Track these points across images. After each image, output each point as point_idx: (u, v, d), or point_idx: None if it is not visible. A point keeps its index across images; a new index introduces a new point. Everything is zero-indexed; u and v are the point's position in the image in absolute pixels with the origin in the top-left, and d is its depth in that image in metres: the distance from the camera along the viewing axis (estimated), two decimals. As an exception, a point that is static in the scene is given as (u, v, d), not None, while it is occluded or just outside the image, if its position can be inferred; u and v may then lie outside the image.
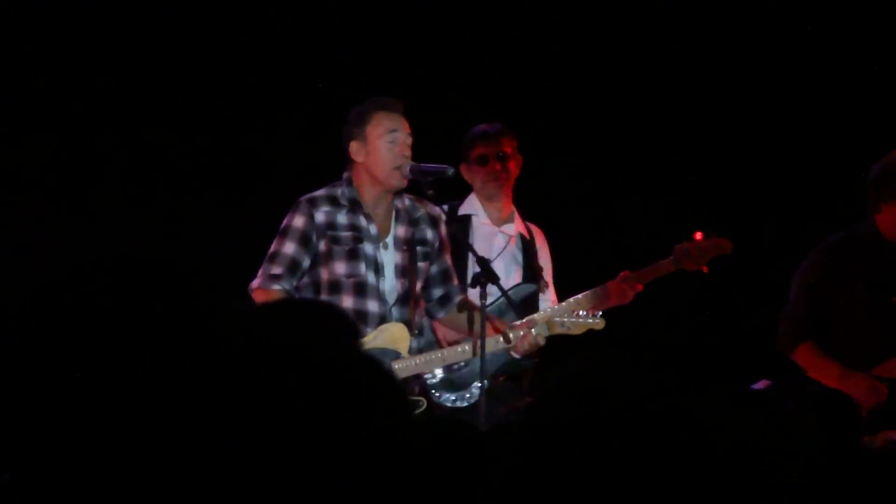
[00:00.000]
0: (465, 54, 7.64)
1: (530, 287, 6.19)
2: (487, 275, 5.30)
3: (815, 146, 7.74)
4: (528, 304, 6.03)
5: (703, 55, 7.79)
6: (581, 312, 5.75)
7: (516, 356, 5.72)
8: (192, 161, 7.26)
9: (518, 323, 5.63)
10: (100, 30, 7.11)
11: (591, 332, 5.71)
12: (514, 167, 6.33)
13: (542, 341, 5.59)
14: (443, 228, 5.65)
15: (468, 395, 5.75)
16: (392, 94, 5.59)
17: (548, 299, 6.25)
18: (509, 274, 6.22)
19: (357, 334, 2.02)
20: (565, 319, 5.69)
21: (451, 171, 5.46)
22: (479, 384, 5.47)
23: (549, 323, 5.65)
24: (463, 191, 6.35)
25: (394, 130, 5.44)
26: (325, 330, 1.86)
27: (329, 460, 1.69)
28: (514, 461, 1.87)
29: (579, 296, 6.15)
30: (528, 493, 1.84)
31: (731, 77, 7.80)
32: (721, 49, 7.77)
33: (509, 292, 5.70)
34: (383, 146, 5.43)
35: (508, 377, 5.96)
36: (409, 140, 5.46)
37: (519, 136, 6.42)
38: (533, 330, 5.57)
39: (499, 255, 6.21)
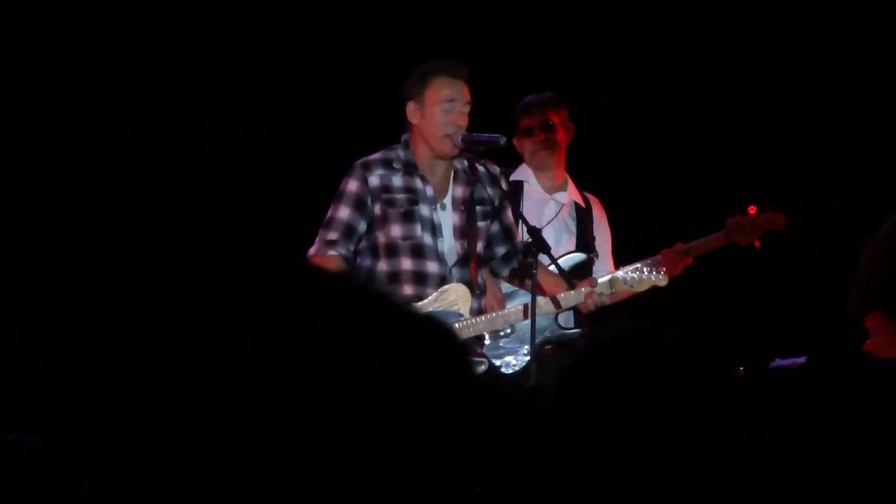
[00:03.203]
0: (524, 23, 7.64)
1: (581, 256, 6.18)
2: (537, 244, 5.30)
3: (877, 117, 7.68)
4: (579, 273, 6.00)
5: (759, 26, 7.74)
6: (644, 269, 5.73)
7: (564, 321, 5.72)
8: (254, 131, 7.31)
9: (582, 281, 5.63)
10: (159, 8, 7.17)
11: (641, 302, 5.71)
12: (562, 136, 6.31)
13: (606, 300, 5.56)
14: (503, 186, 5.62)
15: (514, 363, 5.75)
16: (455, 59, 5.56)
17: (603, 269, 6.24)
18: (560, 242, 6.22)
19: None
20: (629, 276, 5.67)
21: (503, 140, 5.43)
22: (528, 349, 5.47)
23: (612, 280, 5.63)
24: (515, 160, 6.37)
25: (451, 100, 5.41)
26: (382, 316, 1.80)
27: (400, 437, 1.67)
28: (547, 430, 1.87)
29: (629, 266, 6.15)
30: (560, 464, 1.84)
31: (793, 49, 7.75)
32: (779, 22, 7.72)
33: (559, 261, 5.69)
34: (438, 112, 5.41)
35: (557, 346, 5.96)
36: (467, 109, 5.44)
37: (575, 108, 6.42)
38: (597, 289, 5.55)
39: (549, 222, 6.21)
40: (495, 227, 5.60)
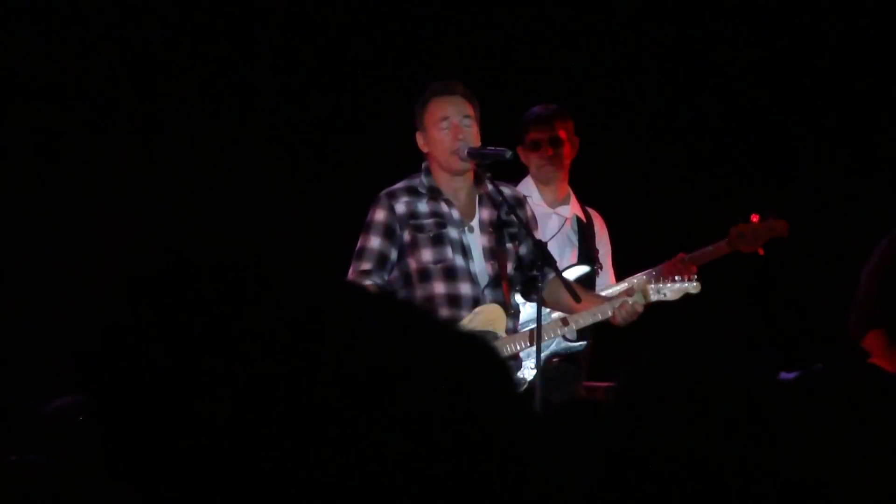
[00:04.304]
0: (523, 35, 7.65)
1: (584, 268, 6.20)
2: (543, 257, 5.31)
3: (880, 130, 7.69)
4: (583, 286, 6.03)
5: (759, 36, 7.75)
6: (677, 277, 5.70)
7: (570, 335, 5.73)
8: (278, 154, 7.32)
9: (615, 291, 5.61)
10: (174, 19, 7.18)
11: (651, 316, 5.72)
12: (568, 151, 6.31)
13: (639, 308, 5.53)
14: (528, 209, 5.64)
15: (521, 378, 5.75)
16: (453, 77, 5.58)
17: (605, 282, 6.25)
18: (563, 255, 6.22)
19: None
20: (661, 286, 5.65)
21: (508, 153, 5.42)
22: (534, 365, 5.48)
23: (643, 291, 5.60)
24: (521, 172, 6.35)
25: (446, 117, 5.42)
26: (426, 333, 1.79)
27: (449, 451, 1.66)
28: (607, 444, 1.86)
29: (633, 277, 6.16)
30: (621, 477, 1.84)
31: (795, 60, 7.75)
32: (782, 31, 7.73)
33: (563, 273, 5.70)
34: (438, 133, 5.43)
35: (564, 359, 5.96)
36: (468, 122, 5.44)
37: (576, 118, 6.42)
38: (630, 299, 5.53)
39: (553, 236, 6.21)
40: (523, 249, 5.58)
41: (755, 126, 7.81)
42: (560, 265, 5.74)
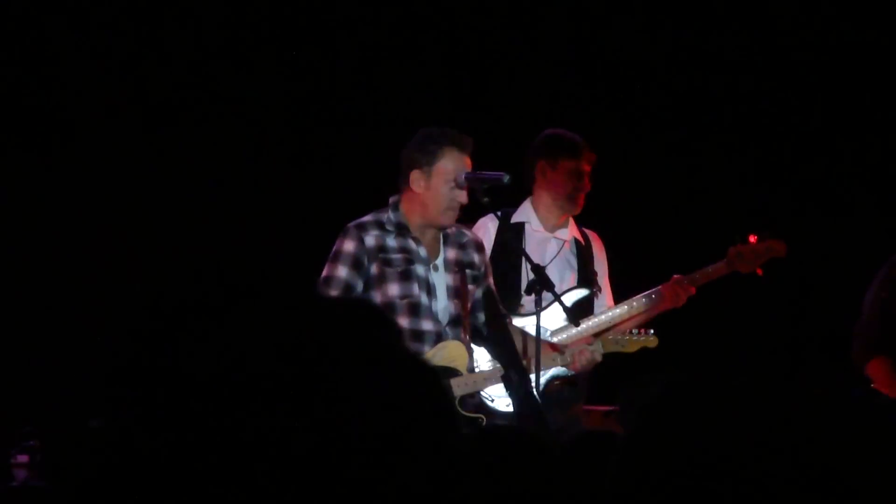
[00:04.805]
0: (514, 55, 7.65)
1: (583, 292, 6.20)
2: (542, 282, 5.31)
3: (884, 153, 7.68)
4: (582, 308, 6.06)
5: (755, 57, 7.76)
6: (633, 331, 5.84)
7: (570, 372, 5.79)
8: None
9: (572, 336, 5.68)
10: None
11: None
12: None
13: (598, 357, 5.68)
14: (486, 254, 5.71)
15: (494, 410, 5.77)
16: (460, 128, 5.55)
17: (603, 304, 6.26)
18: (563, 279, 6.22)
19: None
20: (619, 337, 5.80)
21: (506, 178, 5.44)
22: (533, 387, 5.49)
23: (604, 341, 5.75)
24: (516, 195, 6.33)
25: (456, 175, 5.42)
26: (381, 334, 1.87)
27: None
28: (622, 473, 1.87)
29: (632, 300, 6.17)
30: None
31: (794, 81, 7.76)
32: (787, 50, 7.73)
33: (562, 296, 5.72)
34: (445, 188, 5.42)
35: (565, 381, 5.97)
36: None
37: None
38: (590, 347, 5.62)
39: (552, 260, 6.20)
40: (478, 293, 5.65)
41: (755, 146, 7.81)
42: (559, 288, 5.76)
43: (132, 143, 7.17)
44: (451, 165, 5.40)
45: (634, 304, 6.15)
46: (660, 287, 6.17)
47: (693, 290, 6.19)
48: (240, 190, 7.29)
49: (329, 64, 7.43)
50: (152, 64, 7.19)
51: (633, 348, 5.79)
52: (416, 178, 5.46)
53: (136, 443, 1.67)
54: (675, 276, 6.18)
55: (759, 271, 6.31)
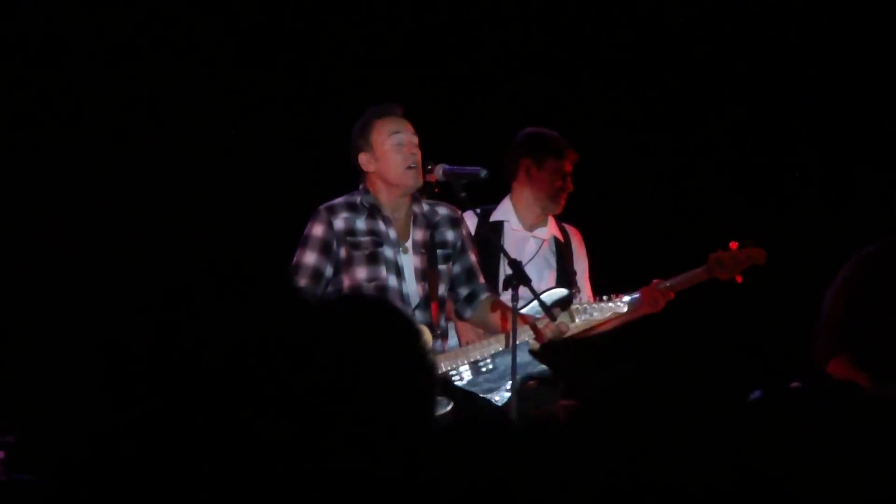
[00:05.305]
0: (492, 53, 7.65)
1: (563, 291, 6.16)
2: (519, 277, 5.29)
3: (853, 156, 7.70)
4: (561, 308, 6.01)
5: (745, 57, 7.77)
6: (604, 297, 5.78)
7: (535, 345, 5.73)
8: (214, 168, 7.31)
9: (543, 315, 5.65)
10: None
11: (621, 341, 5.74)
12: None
13: (564, 329, 5.58)
14: (464, 229, 5.68)
15: (497, 398, 5.73)
16: (395, 99, 5.62)
17: (584, 300, 6.22)
18: (542, 278, 6.23)
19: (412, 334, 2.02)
20: (587, 306, 5.75)
21: (483, 172, 5.46)
22: (509, 383, 5.46)
23: (570, 311, 5.68)
24: (495, 190, 6.30)
25: (396, 132, 5.49)
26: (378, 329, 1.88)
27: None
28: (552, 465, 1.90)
29: (610, 302, 6.13)
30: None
31: (774, 85, 7.78)
32: (767, 52, 7.75)
33: (541, 295, 5.69)
34: (391, 150, 5.48)
35: (539, 381, 5.94)
36: (415, 139, 5.52)
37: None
38: (557, 318, 5.58)
39: (531, 259, 6.20)
40: (457, 269, 5.65)
41: (737, 153, 7.82)
42: (538, 287, 5.74)
43: (104, 140, 7.15)
44: (385, 129, 5.50)
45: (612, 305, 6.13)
46: (638, 291, 6.15)
47: (672, 296, 6.19)
48: (219, 180, 7.27)
49: (307, 60, 7.42)
50: (128, 57, 7.17)
51: (603, 316, 5.75)
52: (364, 161, 5.54)
53: (116, 436, 1.66)
54: (655, 280, 6.17)
55: (739, 278, 6.32)
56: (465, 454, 2.31)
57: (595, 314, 5.74)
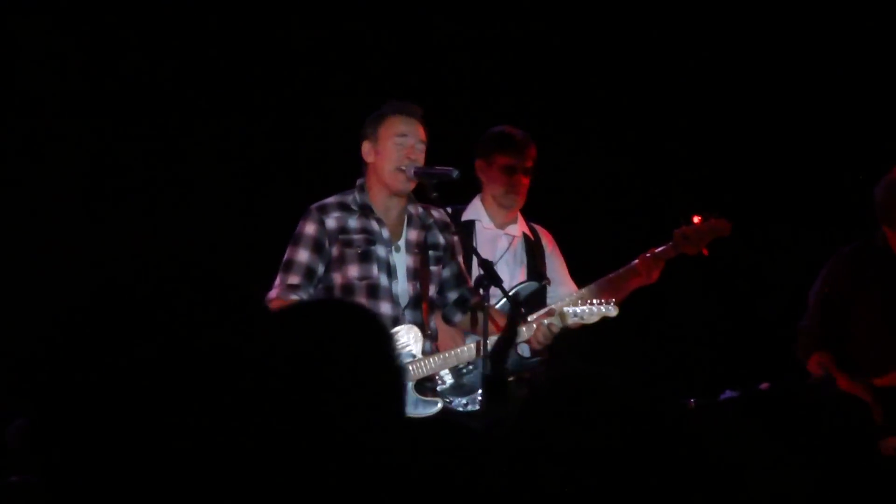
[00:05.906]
0: (464, 50, 7.65)
1: (534, 284, 6.21)
2: (490, 278, 5.32)
3: (827, 148, 7.74)
4: (533, 301, 6.05)
5: (707, 44, 7.79)
6: (594, 301, 5.80)
7: (526, 352, 5.79)
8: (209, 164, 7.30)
9: (534, 317, 5.68)
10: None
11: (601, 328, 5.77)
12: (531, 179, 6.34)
13: (555, 330, 5.63)
14: (454, 234, 5.70)
15: (479, 398, 5.78)
16: (410, 99, 5.62)
17: (568, 293, 6.23)
18: (514, 274, 6.26)
19: (381, 336, 2.07)
20: (578, 309, 5.75)
21: (455, 173, 5.45)
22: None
23: (561, 314, 5.69)
24: (467, 190, 6.35)
25: (404, 134, 5.48)
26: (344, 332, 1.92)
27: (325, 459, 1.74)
28: (510, 456, 1.94)
29: (592, 285, 6.18)
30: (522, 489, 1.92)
31: (742, 69, 7.79)
32: (730, 40, 7.77)
33: (514, 290, 5.74)
34: (391, 146, 5.47)
35: (519, 378, 5.98)
36: (421, 146, 5.51)
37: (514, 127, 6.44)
38: (545, 321, 5.61)
39: (502, 256, 6.23)
40: (447, 273, 5.66)
41: (696, 130, 7.85)
42: (511, 283, 5.79)
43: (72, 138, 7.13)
44: (396, 126, 5.49)
45: (594, 288, 6.16)
46: (604, 278, 6.18)
47: (662, 265, 6.21)
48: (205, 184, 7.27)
49: (286, 63, 7.41)
50: (112, 58, 7.15)
51: (593, 319, 5.77)
52: (367, 150, 5.54)
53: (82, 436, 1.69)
54: (609, 273, 6.19)
55: (706, 251, 6.31)
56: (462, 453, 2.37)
57: (585, 317, 5.75)
